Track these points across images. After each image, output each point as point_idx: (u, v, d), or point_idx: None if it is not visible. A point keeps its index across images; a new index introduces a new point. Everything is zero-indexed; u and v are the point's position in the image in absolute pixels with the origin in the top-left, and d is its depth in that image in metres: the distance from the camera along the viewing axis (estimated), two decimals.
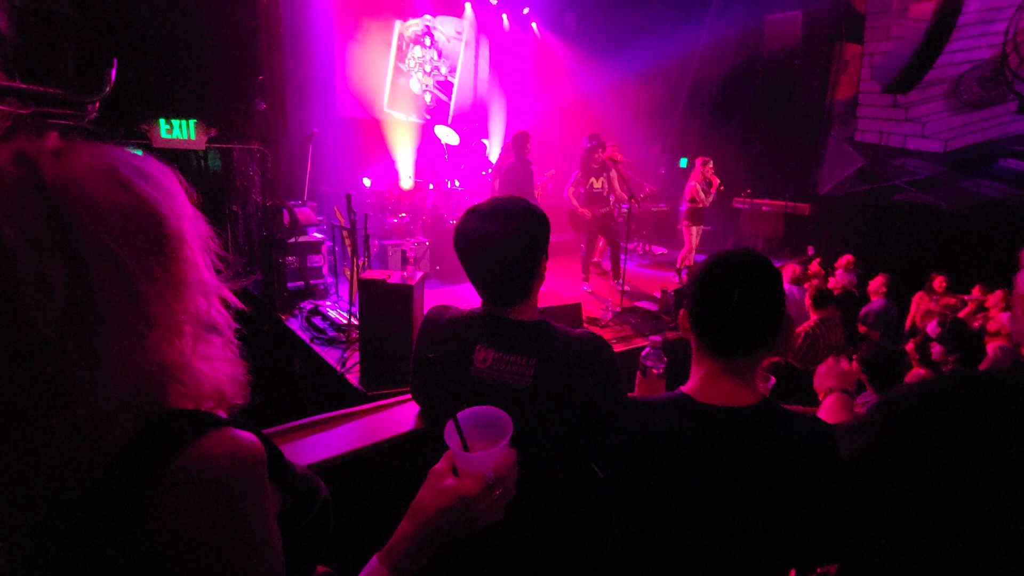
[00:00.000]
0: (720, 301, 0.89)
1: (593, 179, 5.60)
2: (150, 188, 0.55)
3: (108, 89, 2.96)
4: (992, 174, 7.00)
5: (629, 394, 1.37)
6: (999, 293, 4.25)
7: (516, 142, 5.34)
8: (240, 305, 0.65)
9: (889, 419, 0.87)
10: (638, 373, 1.40)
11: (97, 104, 2.98)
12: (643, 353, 1.38)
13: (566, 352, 1.12)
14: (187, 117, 3.89)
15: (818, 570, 1.39)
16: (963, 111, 7.17)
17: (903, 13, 7.49)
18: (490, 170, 7.48)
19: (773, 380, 1.31)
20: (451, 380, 1.17)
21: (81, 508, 0.50)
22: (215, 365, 0.60)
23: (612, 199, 5.77)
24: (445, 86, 8.86)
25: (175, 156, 3.99)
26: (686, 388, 0.96)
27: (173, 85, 3.96)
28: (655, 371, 1.35)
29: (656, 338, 1.38)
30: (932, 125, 7.42)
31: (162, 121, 3.85)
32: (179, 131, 3.89)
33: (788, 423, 0.90)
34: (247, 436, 0.55)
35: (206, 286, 0.60)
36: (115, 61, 3.02)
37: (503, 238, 1.11)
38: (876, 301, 4.73)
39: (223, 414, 0.61)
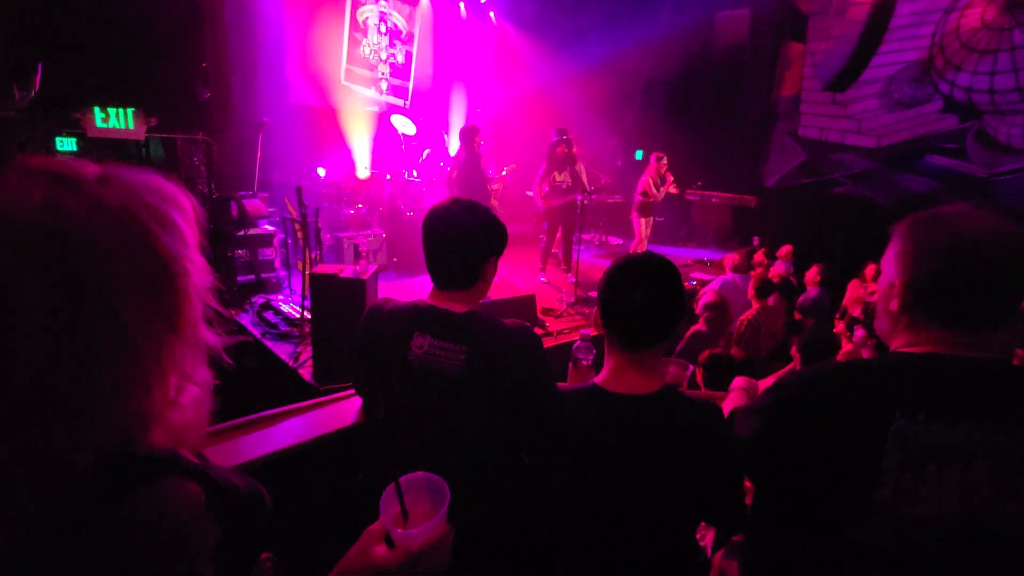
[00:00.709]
0: (624, 301, 0.99)
1: (556, 172, 5.69)
2: (168, 241, 0.57)
3: (34, 92, 2.81)
4: (919, 169, 7.50)
5: (560, 384, 1.46)
6: None
7: (465, 136, 5.38)
8: (228, 361, 0.67)
9: (774, 403, 0.98)
10: (570, 364, 1.49)
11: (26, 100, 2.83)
12: (574, 346, 1.47)
13: (495, 342, 1.20)
14: (124, 106, 3.72)
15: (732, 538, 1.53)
16: (895, 109, 7.63)
17: (842, 14, 7.88)
18: (443, 163, 7.46)
19: (692, 368, 1.43)
20: (390, 364, 1.24)
21: (39, 535, 0.52)
22: (184, 412, 0.62)
23: (578, 191, 5.86)
24: (401, 73, 8.74)
25: (112, 146, 3.82)
26: (598, 379, 1.06)
27: (109, 72, 3.76)
28: (584, 362, 1.45)
29: (587, 331, 1.47)
30: (867, 122, 7.86)
31: (97, 109, 3.66)
32: (116, 120, 3.70)
33: (685, 408, 1.01)
34: (189, 488, 0.58)
35: (199, 343, 0.62)
36: (39, 66, 2.86)
37: (465, 227, 1.25)
38: (811, 290, 5.03)
39: (183, 450, 0.63)
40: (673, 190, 6.55)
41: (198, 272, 0.61)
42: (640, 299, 0.98)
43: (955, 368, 0.84)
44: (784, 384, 0.98)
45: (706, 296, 4.14)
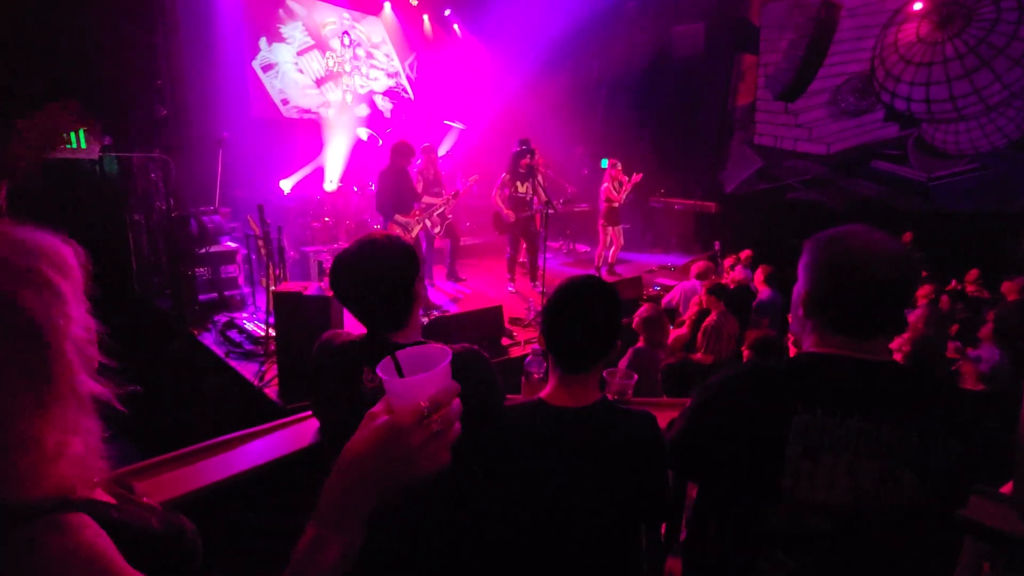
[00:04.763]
0: (564, 326, 1.06)
1: (518, 183, 5.75)
2: (36, 302, 0.54)
3: None
4: (866, 174, 7.91)
5: (515, 395, 1.53)
6: None
7: (395, 151, 5.21)
8: (121, 409, 0.64)
9: (697, 404, 1.07)
10: (523, 377, 1.56)
11: None
12: (526, 360, 1.54)
13: None
14: (76, 126, 3.64)
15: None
16: (841, 118, 8.04)
17: (790, 28, 8.27)
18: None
19: (636, 377, 1.52)
20: (343, 397, 1.27)
21: None
22: (71, 463, 0.59)
23: (536, 204, 5.93)
24: (367, 85, 8.74)
25: (65, 166, 3.72)
26: (543, 394, 1.13)
27: (59, 92, 3.68)
28: (536, 375, 1.52)
29: (537, 346, 1.54)
30: (817, 130, 8.25)
31: None
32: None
33: (620, 418, 1.09)
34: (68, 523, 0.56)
35: (81, 396, 0.59)
36: None
37: (371, 280, 1.21)
38: (763, 292, 5.25)
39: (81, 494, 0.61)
40: (636, 178, 6.55)
41: (77, 325, 0.58)
42: (579, 326, 1.05)
43: (848, 369, 0.95)
44: (705, 385, 1.07)
45: (641, 310, 4.10)
